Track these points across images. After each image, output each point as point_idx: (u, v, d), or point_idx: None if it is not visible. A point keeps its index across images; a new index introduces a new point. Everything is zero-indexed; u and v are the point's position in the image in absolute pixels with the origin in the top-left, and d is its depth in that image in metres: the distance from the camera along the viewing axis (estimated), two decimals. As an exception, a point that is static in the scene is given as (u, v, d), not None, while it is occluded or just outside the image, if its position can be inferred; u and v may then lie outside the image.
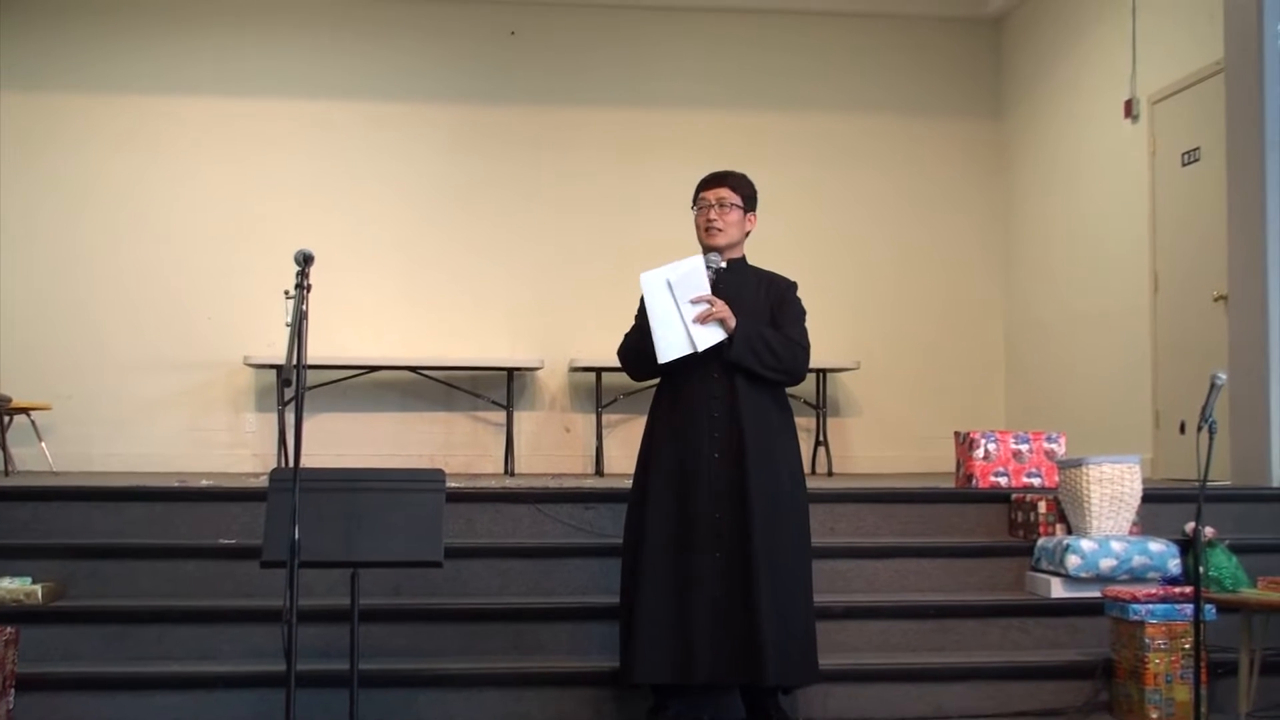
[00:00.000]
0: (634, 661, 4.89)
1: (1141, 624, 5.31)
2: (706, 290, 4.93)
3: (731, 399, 4.98)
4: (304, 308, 4.01)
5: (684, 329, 4.90)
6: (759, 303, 5.07)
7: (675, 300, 4.91)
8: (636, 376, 5.23)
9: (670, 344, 4.89)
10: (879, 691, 5.51)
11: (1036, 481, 6.97)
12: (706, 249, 5.08)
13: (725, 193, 5.08)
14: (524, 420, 10.50)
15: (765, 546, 4.87)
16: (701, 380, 4.99)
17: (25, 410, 9.35)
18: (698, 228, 5.13)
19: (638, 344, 5.07)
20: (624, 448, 10.17)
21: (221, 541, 5.97)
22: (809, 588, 5.06)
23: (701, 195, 5.13)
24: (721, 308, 4.91)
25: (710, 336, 4.90)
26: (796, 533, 5.04)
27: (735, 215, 5.10)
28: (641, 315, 5.06)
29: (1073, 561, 5.88)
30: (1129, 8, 9.14)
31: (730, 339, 4.92)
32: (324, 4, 10.68)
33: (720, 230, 5.06)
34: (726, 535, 4.87)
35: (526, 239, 10.70)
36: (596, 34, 10.95)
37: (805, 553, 5.07)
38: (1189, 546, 5.79)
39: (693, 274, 4.94)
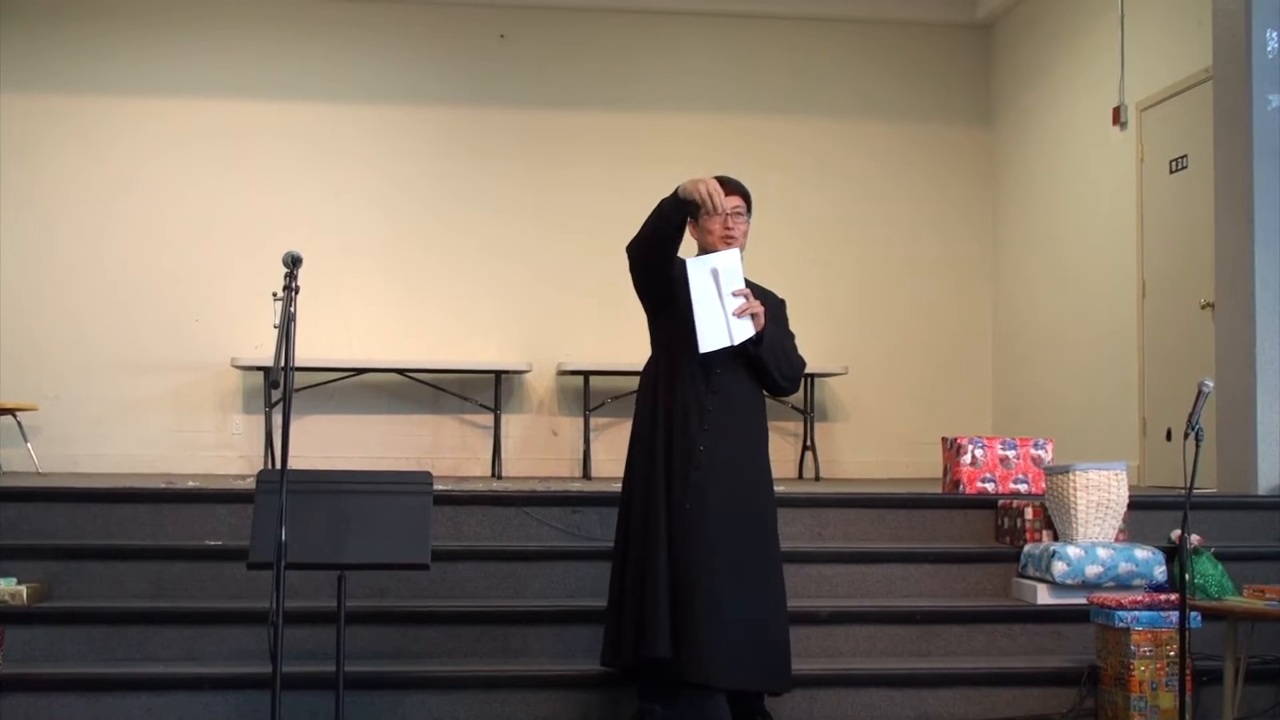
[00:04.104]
0: (605, 646, 5.01)
1: (1127, 631, 5.31)
2: (743, 284, 4.94)
3: (728, 401, 4.99)
4: (292, 310, 4.01)
5: (725, 320, 4.88)
6: None
7: (719, 289, 4.89)
8: (642, 269, 5.04)
9: (711, 334, 4.85)
10: (864, 697, 5.50)
11: (1023, 488, 6.99)
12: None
13: (739, 201, 5.06)
14: (511, 423, 10.49)
15: (746, 549, 4.90)
16: (701, 378, 4.98)
17: (11, 410, 9.34)
18: (709, 233, 5.02)
19: (653, 248, 4.96)
20: (611, 451, 10.18)
21: (208, 543, 5.95)
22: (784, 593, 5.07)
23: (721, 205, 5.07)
24: (757, 304, 4.93)
25: (744, 330, 4.90)
26: (774, 538, 5.07)
27: (746, 225, 5.09)
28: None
29: (1059, 568, 5.89)
30: (1118, 15, 9.17)
31: (760, 337, 4.94)
32: (312, 7, 10.67)
33: (736, 239, 5.04)
34: (696, 528, 4.86)
35: (515, 242, 10.70)
36: (585, 38, 10.95)
37: (779, 559, 5.08)
38: (1175, 554, 5.80)
39: (733, 266, 4.93)
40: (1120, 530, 6.20)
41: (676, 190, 4.84)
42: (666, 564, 4.82)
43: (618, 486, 5.25)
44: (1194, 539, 5.80)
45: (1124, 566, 5.92)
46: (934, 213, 11.16)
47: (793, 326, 5.28)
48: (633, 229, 4.98)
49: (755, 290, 5.10)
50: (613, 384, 10.19)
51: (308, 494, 4.41)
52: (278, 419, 8.99)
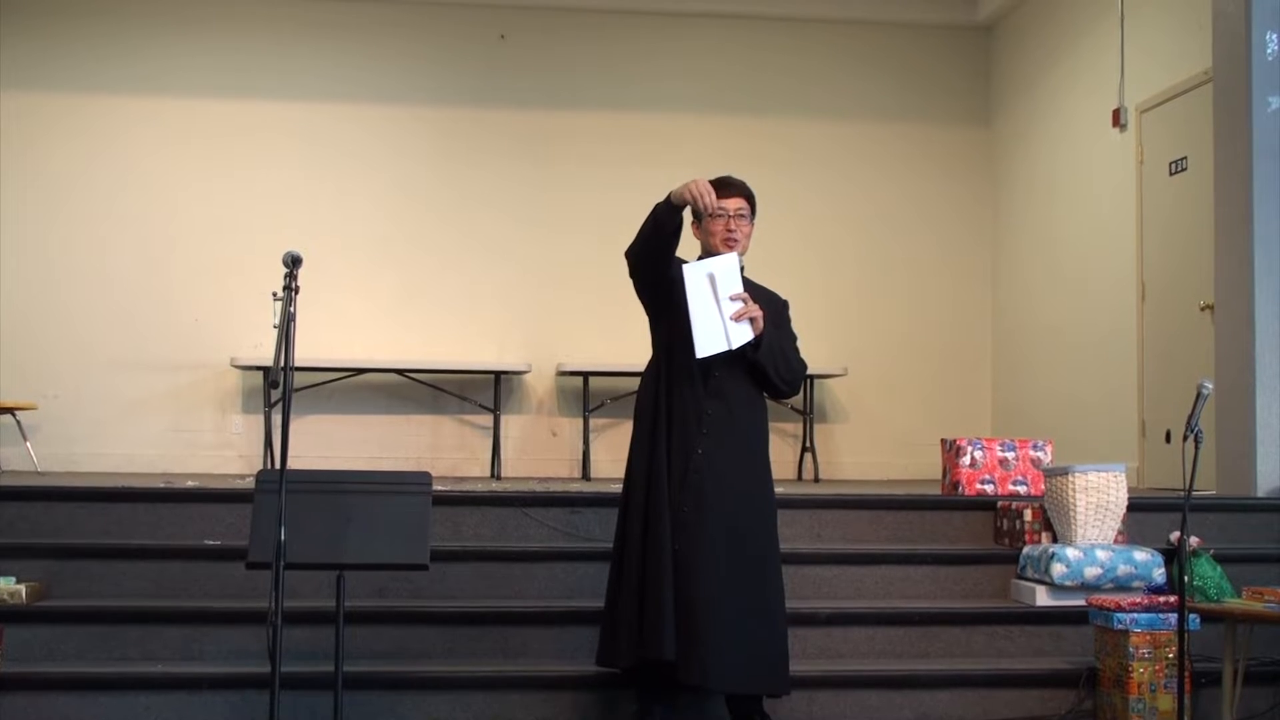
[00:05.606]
0: (602, 646, 5.02)
1: (1126, 633, 5.32)
2: (741, 288, 4.93)
3: (727, 404, 4.98)
4: (292, 309, 4.01)
5: (722, 324, 4.88)
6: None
7: (715, 294, 4.89)
8: (641, 273, 5.05)
9: (708, 339, 4.85)
10: (863, 698, 5.51)
11: (1023, 489, 6.98)
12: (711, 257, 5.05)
13: (742, 203, 5.04)
14: (511, 424, 10.49)
15: (744, 551, 4.91)
16: (699, 381, 4.98)
17: (11, 410, 9.34)
18: (711, 235, 5.02)
19: (650, 252, 4.96)
20: (611, 452, 10.18)
21: (207, 543, 5.96)
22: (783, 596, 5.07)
23: (717, 203, 5.04)
24: (755, 308, 4.93)
25: (742, 335, 4.90)
26: (773, 541, 5.08)
27: (749, 227, 5.08)
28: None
29: (1058, 570, 5.89)
30: (1118, 17, 9.16)
31: (758, 341, 4.94)
32: (312, 7, 10.66)
33: (738, 241, 5.03)
34: (695, 531, 4.86)
35: (515, 242, 10.71)
36: (586, 39, 10.95)
37: (778, 561, 5.08)
38: (1174, 556, 5.81)
39: (730, 271, 4.93)
40: (1119, 532, 6.20)
41: (669, 195, 4.84)
42: (669, 567, 4.82)
43: (617, 487, 5.26)
44: (1193, 541, 5.81)
45: (1123, 568, 5.92)
46: (934, 214, 11.16)
47: (793, 328, 5.28)
48: (632, 230, 4.98)
49: (758, 292, 5.10)
50: (612, 385, 10.19)
51: (307, 494, 4.41)
52: (277, 419, 9.00)
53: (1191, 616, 5.16)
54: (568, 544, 6.17)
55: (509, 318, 10.67)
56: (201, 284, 10.37)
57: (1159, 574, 5.94)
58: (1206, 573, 5.86)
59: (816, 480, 10.34)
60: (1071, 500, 6.07)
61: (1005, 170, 11.04)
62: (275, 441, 9.50)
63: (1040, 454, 7.09)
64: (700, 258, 5.03)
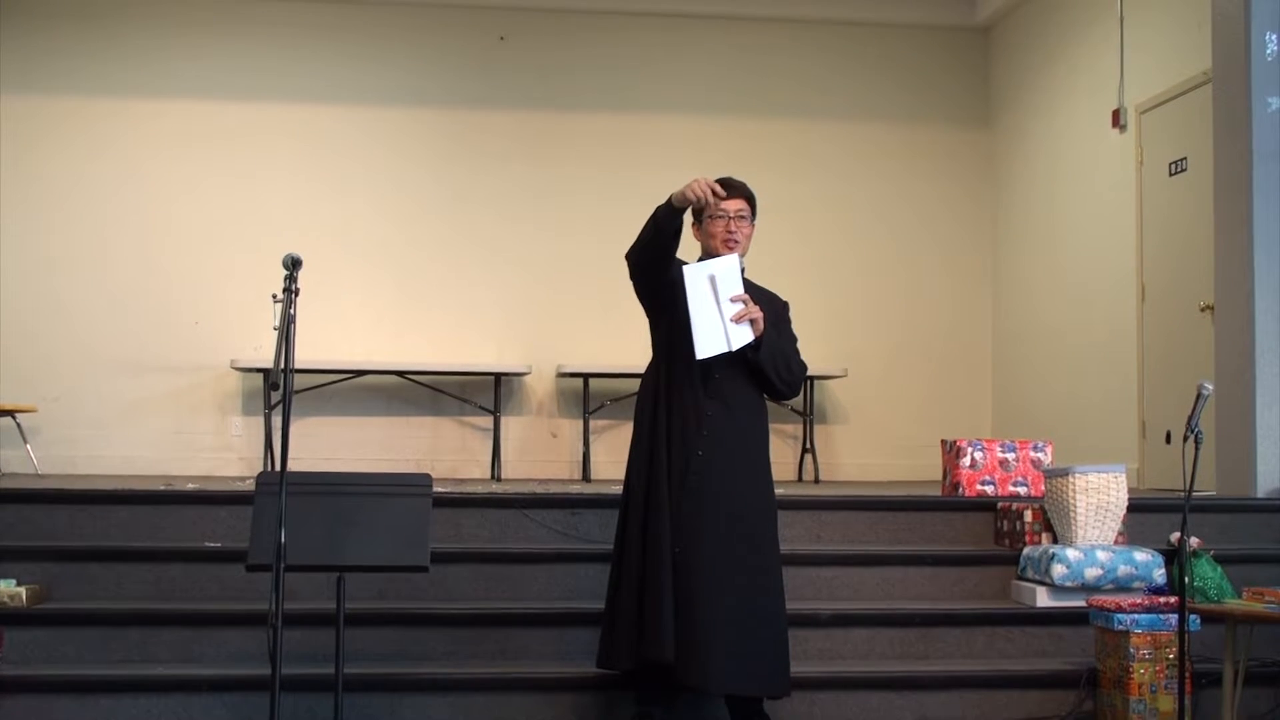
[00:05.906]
0: (602, 649, 5.02)
1: (1126, 634, 5.32)
2: (741, 289, 4.93)
3: (727, 405, 4.98)
4: (292, 311, 4.01)
5: (722, 326, 4.88)
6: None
7: (716, 296, 4.89)
8: (641, 275, 5.06)
9: (708, 340, 4.86)
10: (863, 699, 5.51)
11: (1023, 490, 6.98)
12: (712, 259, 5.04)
13: (742, 204, 5.04)
14: (511, 425, 10.48)
15: (744, 554, 4.90)
16: (700, 383, 4.97)
17: (11, 412, 9.33)
18: (711, 237, 5.02)
19: (650, 254, 4.97)
20: (611, 454, 10.18)
21: (207, 545, 5.96)
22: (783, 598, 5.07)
23: (718, 205, 5.02)
24: (755, 309, 4.92)
25: (742, 336, 4.90)
26: (773, 543, 5.07)
27: (749, 229, 5.08)
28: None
29: (1058, 571, 5.89)
30: (1117, 17, 9.17)
31: (758, 342, 4.93)
32: (312, 9, 10.66)
33: (738, 242, 5.03)
34: (695, 533, 4.86)
35: (515, 244, 10.70)
36: (586, 41, 10.94)
37: (779, 563, 5.08)
38: (1174, 556, 5.80)
39: (731, 272, 4.93)
40: (1119, 533, 6.20)
41: (670, 197, 4.84)
42: (669, 568, 4.82)
43: (617, 489, 5.26)
44: (1193, 541, 5.80)
45: (1123, 569, 5.92)
46: (933, 215, 11.16)
47: (793, 329, 5.28)
48: (633, 231, 4.98)
49: (759, 293, 5.10)
50: (612, 386, 10.19)
51: (307, 496, 4.41)
52: (277, 421, 9.00)
53: (1192, 617, 5.16)
54: (568, 545, 6.17)
55: (509, 319, 10.67)
56: (201, 286, 10.37)
57: (1159, 575, 5.94)
58: (1207, 573, 5.86)
59: (817, 481, 10.34)
60: (1072, 501, 6.07)
61: (1005, 171, 11.04)
62: (275, 443, 9.49)
63: (1040, 455, 7.08)
64: (700, 259, 5.03)
